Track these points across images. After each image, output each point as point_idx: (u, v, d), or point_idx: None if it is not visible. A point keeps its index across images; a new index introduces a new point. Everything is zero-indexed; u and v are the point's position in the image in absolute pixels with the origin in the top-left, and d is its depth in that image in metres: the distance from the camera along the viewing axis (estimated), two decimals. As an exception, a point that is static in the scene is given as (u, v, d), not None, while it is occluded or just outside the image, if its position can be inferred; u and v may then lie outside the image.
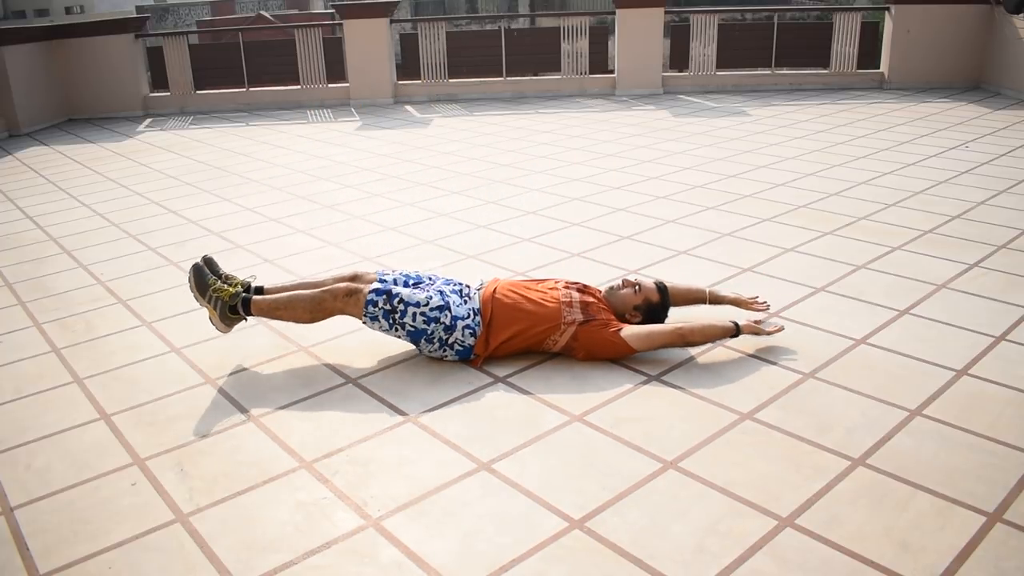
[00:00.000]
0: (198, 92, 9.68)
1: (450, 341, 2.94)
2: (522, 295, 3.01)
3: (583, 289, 3.11)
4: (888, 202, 4.84)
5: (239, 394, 2.88)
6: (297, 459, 2.46)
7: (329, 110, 9.32)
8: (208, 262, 3.12)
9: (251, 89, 9.75)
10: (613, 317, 3.03)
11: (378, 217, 4.99)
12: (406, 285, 3.04)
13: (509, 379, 2.89)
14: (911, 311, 3.32)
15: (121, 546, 2.11)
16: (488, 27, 14.56)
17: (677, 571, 1.93)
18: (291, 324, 3.40)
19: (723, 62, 9.55)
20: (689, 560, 1.97)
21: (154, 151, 7.45)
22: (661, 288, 3.12)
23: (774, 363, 2.93)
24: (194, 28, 24.52)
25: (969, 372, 2.81)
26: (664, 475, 2.30)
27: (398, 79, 9.79)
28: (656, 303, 3.08)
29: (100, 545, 2.11)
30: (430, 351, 2.99)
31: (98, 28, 9.58)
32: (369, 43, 9.43)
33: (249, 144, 7.56)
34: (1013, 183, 5.16)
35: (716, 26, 9.41)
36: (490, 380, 2.89)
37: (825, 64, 9.45)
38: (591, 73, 9.68)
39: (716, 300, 3.22)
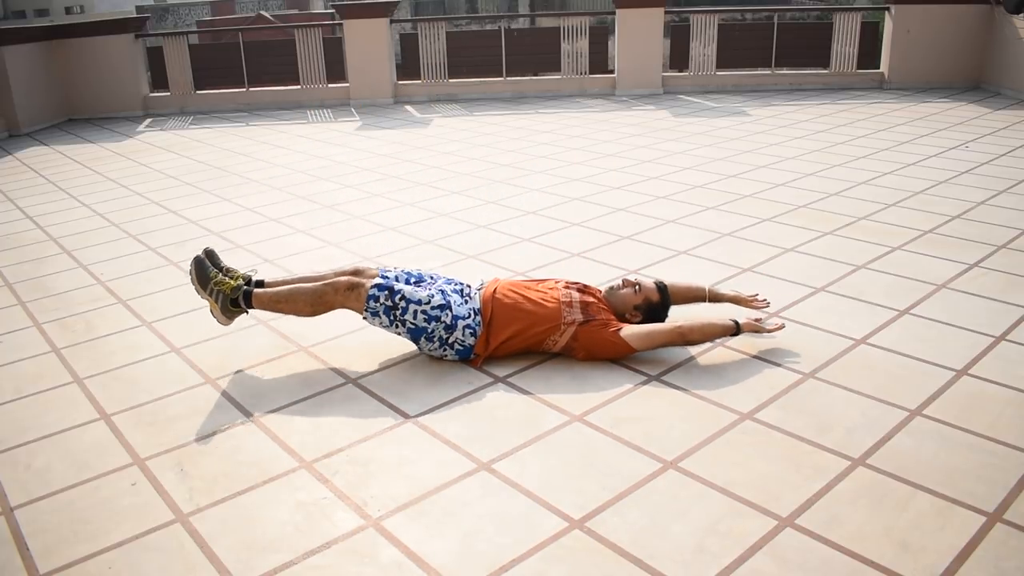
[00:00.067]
0: (198, 92, 9.68)
1: (450, 340, 2.94)
2: (522, 295, 3.01)
3: (583, 289, 3.11)
4: (888, 202, 4.84)
5: (239, 394, 2.88)
6: (297, 459, 2.46)
7: (329, 110, 9.32)
8: (209, 255, 3.10)
9: (251, 89, 9.75)
10: (613, 317, 3.03)
11: (378, 217, 4.99)
12: (407, 282, 3.04)
13: (509, 379, 2.89)
14: (911, 311, 3.32)
15: (121, 546, 2.11)
16: (488, 27, 14.56)
17: (677, 571, 1.93)
18: (292, 322, 3.40)
19: (723, 62, 9.55)
20: (689, 560, 1.97)
21: (154, 151, 7.45)
22: (661, 288, 3.12)
23: (774, 363, 2.93)
24: (194, 28, 24.52)
25: (969, 372, 2.81)
26: (664, 475, 2.30)
27: (398, 79, 9.79)
28: (656, 303, 3.08)
29: (100, 545, 2.11)
30: (430, 350, 2.99)
31: (98, 28, 9.58)
32: (369, 43, 9.43)
33: (249, 144, 7.56)
34: (1013, 183, 5.16)
35: (716, 26, 9.42)
36: (490, 380, 2.89)
37: (825, 64, 9.45)
38: (591, 73, 9.68)
39: (716, 298, 3.22)
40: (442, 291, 3.00)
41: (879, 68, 9.41)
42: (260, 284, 3.08)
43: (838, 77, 9.36)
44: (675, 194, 5.21)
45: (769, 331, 3.02)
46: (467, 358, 2.99)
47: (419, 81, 9.76)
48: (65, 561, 2.07)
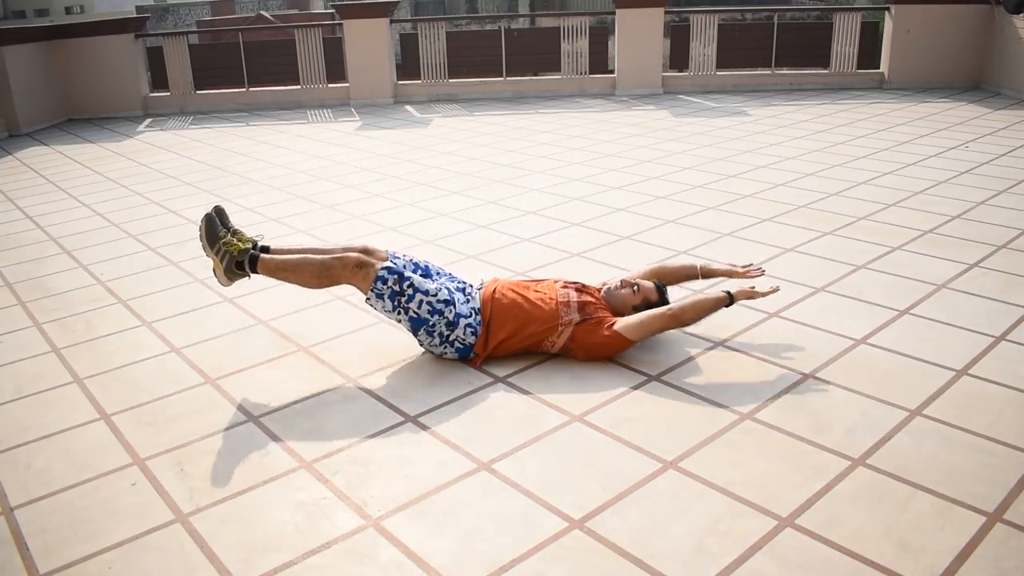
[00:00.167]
0: (198, 92, 9.68)
1: (451, 338, 2.93)
2: (520, 295, 3.01)
3: (581, 289, 3.11)
4: (888, 202, 4.84)
5: (239, 394, 2.88)
6: (297, 459, 2.46)
7: (329, 110, 9.32)
8: (219, 213, 3.04)
9: (251, 89, 9.75)
10: (609, 314, 3.03)
11: (378, 217, 4.99)
12: (415, 271, 3.03)
13: (509, 379, 2.89)
14: (911, 311, 3.32)
15: (121, 546, 2.11)
16: (488, 27, 14.55)
17: (677, 571, 1.94)
18: (292, 321, 3.40)
19: (723, 62, 9.55)
20: (689, 560, 1.97)
21: (154, 151, 7.45)
22: (660, 288, 3.12)
23: (774, 363, 2.93)
24: (194, 28, 24.52)
25: (969, 372, 2.81)
26: (664, 475, 2.30)
27: (398, 79, 9.79)
28: (655, 302, 3.07)
29: (100, 545, 2.11)
30: (429, 344, 2.97)
31: (98, 28, 9.58)
32: (369, 43, 9.43)
33: (249, 144, 7.56)
34: (1013, 183, 5.16)
35: (716, 26, 9.42)
36: (490, 380, 2.89)
37: (825, 64, 9.45)
38: (591, 73, 9.68)
39: (709, 274, 3.22)
40: (447, 287, 2.99)
41: (879, 68, 9.42)
42: (266, 250, 3.03)
43: (838, 77, 9.36)
44: (675, 194, 5.21)
45: (763, 294, 2.99)
46: (467, 357, 2.99)
47: (419, 81, 9.76)
48: (65, 561, 2.07)
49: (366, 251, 3.03)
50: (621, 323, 2.95)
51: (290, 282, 2.99)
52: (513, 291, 3.03)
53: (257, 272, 2.98)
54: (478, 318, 2.96)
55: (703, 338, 3.14)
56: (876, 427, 2.49)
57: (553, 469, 2.36)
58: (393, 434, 2.58)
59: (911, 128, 7.03)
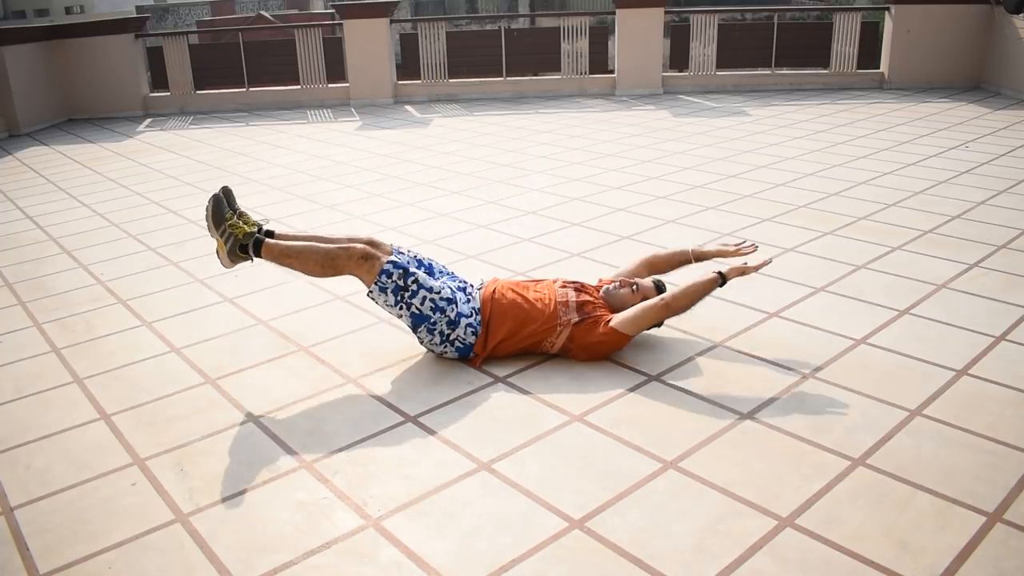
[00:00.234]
0: (198, 92, 9.69)
1: (452, 337, 2.93)
2: (519, 295, 3.01)
3: (580, 288, 3.11)
4: (888, 202, 4.84)
5: (239, 394, 2.88)
6: (297, 459, 2.46)
7: (329, 110, 9.32)
8: (227, 194, 3.00)
9: (251, 89, 9.75)
10: (607, 312, 3.02)
11: (378, 217, 4.99)
12: (419, 267, 3.02)
13: (509, 379, 2.89)
14: (911, 311, 3.32)
15: (121, 546, 2.11)
16: (488, 27, 14.55)
17: (677, 571, 1.93)
18: (292, 321, 3.40)
19: (723, 62, 9.55)
20: (689, 560, 1.97)
21: (154, 151, 7.45)
22: (659, 285, 3.11)
23: (774, 363, 2.93)
24: (194, 28, 24.52)
25: (969, 372, 2.81)
26: (664, 475, 2.30)
27: (398, 79, 9.79)
28: None
29: (100, 545, 2.11)
30: (429, 342, 2.97)
31: (98, 28, 9.58)
32: (369, 43, 9.43)
33: (249, 144, 7.56)
34: (1013, 183, 5.16)
35: (716, 26, 9.42)
36: (490, 380, 2.89)
37: (825, 64, 9.45)
38: (591, 73, 9.68)
39: (701, 257, 3.20)
40: (449, 286, 2.99)
41: (879, 68, 9.42)
42: (271, 235, 3.00)
43: (838, 77, 9.36)
44: (675, 194, 5.21)
45: (756, 268, 2.96)
46: (466, 357, 2.99)
47: (419, 81, 9.76)
48: (65, 561, 2.07)
49: (371, 243, 3.01)
50: (616, 319, 2.94)
51: (293, 269, 2.96)
52: (512, 291, 3.03)
53: (261, 256, 2.94)
54: (478, 318, 2.96)
55: (703, 338, 3.14)
56: (876, 427, 2.49)
57: (553, 469, 2.36)
58: (393, 434, 2.58)
59: (911, 128, 7.03)
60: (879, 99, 8.58)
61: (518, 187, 5.56)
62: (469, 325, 2.94)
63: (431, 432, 2.57)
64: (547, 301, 2.99)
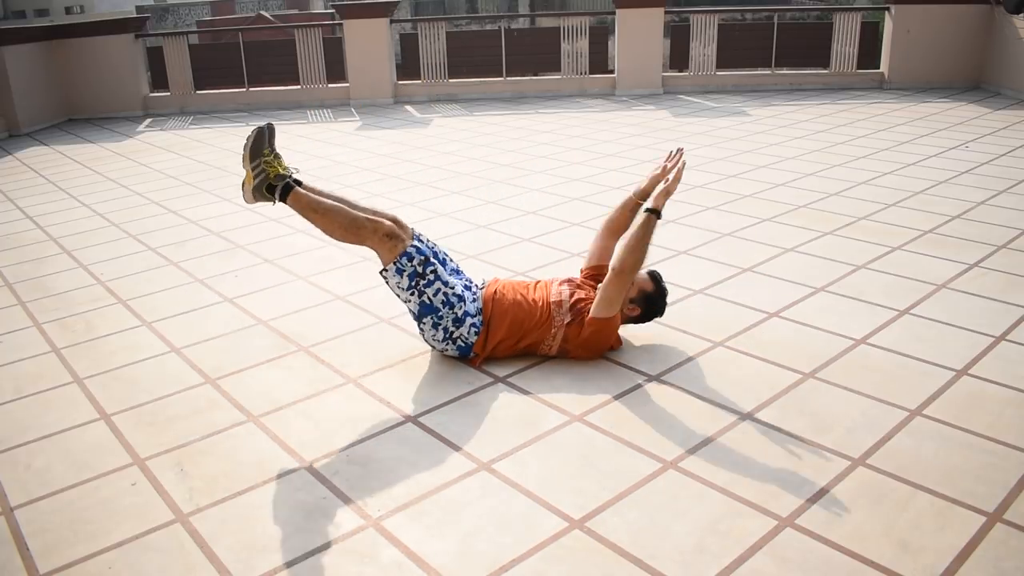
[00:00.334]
0: (198, 92, 9.69)
1: (455, 335, 2.93)
2: (519, 296, 3.00)
3: (579, 286, 3.09)
4: (888, 202, 4.84)
5: (239, 394, 2.88)
6: (297, 459, 2.46)
7: (329, 110, 9.32)
8: (271, 131, 2.95)
9: (251, 89, 9.75)
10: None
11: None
12: (435, 256, 2.98)
13: (509, 379, 2.89)
14: (911, 311, 3.32)
15: (121, 546, 2.11)
16: (488, 27, 14.56)
17: (677, 571, 1.93)
18: (292, 321, 3.40)
19: (723, 62, 9.55)
20: (689, 560, 1.97)
21: (154, 151, 7.45)
22: (655, 276, 3.07)
23: (774, 363, 2.92)
24: (194, 28, 24.52)
25: (969, 372, 2.81)
26: (664, 475, 2.30)
27: (398, 79, 9.79)
28: (651, 292, 3.03)
29: (100, 545, 2.11)
30: (431, 337, 2.96)
31: (98, 28, 9.58)
32: (369, 43, 9.43)
33: (249, 144, 7.55)
34: (1013, 183, 5.16)
35: (716, 26, 9.42)
36: (490, 380, 2.89)
37: (825, 64, 9.45)
38: (591, 73, 9.68)
39: (644, 195, 3.08)
40: (459, 284, 2.99)
41: (879, 68, 9.42)
42: (299, 184, 2.94)
43: (838, 77, 9.36)
44: (675, 194, 5.20)
45: (675, 181, 2.89)
46: (467, 356, 2.99)
47: (419, 81, 9.76)
48: (65, 561, 2.07)
49: (396, 222, 2.98)
50: (592, 310, 2.91)
51: (314, 224, 2.91)
52: (512, 292, 3.02)
53: (286, 202, 2.88)
54: (480, 318, 2.96)
55: (703, 338, 3.14)
56: (876, 427, 2.49)
57: (553, 469, 2.36)
58: (393, 434, 2.58)
59: (911, 128, 7.03)
60: (879, 99, 8.58)
61: (518, 187, 5.56)
62: (473, 324, 2.94)
63: (431, 432, 2.57)
64: (542, 302, 2.98)
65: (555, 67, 9.78)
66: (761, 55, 9.66)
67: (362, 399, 2.81)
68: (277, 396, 2.85)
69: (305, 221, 2.93)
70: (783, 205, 4.87)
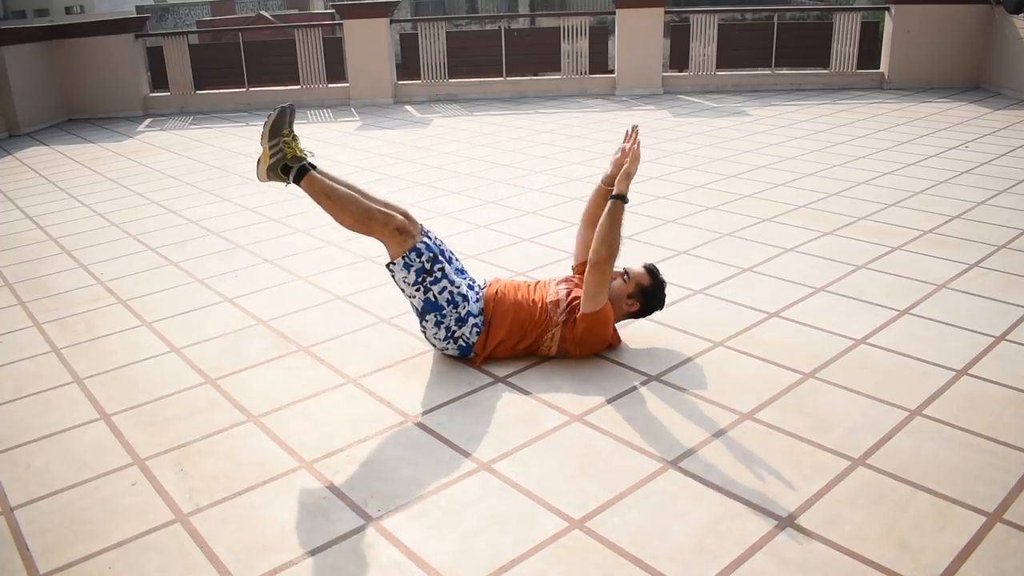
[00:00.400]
0: (198, 92, 9.69)
1: (457, 334, 2.93)
2: (519, 297, 3.00)
3: (575, 285, 3.08)
4: (888, 202, 4.84)
5: (239, 394, 2.88)
6: (297, 459, 2.46)
7: (329, 110, 9.32)
8: (292, 112, 2.94)
9: (251, 89, 9.75)
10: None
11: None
12: (442, 254, 2.98)
13: (509, 379, 2.89)
14: (911, 311, 3.32)
15: (121, 546, 2.11)
16: (488, 27, 14.55)
17: (677, 571, 1.93)
18: (292, 321, 3.40)
19: (723, 62, 9.55)
20: (689, 560, 1.97)
21: (154, 151, 7.45)
22: (651, 269, 3.06)
23: (774, 363, 2.92)
24: (194, 28, 24.51)
25: (969, 372, 2.81)
26: (664, 475, 2.30)
27: (398, 79, 9.79)
28: (648, 285, 3.02)
29: (100, 545, 2.11)
30: (433, 335, 2.95)
31: (98, 28, 9.59)
32: (369, 43, 9.43)
33: (249, 144, 7.55)
34: (1013, 183, 5.16)
35: (716, 26, 9.42)
36: (490, 380, 2.89)
37: (825, 64, 9.45)
38: (591, 73, 9.68)
39: (611, 180, 3.05)
40: (464, 283, 2.99)
41: (879, 68, 9.42)
42: (313, 168, 2.95)
43: (838, 77, 9.36)
44: (675, 194, 5.21)
45: (634, 163, 2.88)
46: (467, 355, 2.99)
47: (419, 81, 9.76)
48: (65, 561, 2.07)
49: (407, 216, 2.99)
50: (581, 306, 2.91)
51: (326, 210, 2.91)
52: (514, 292, 3.02)
53: (300, 185, 2.89)
54: (482, 318, 2.96)
55: (703, 338, 3.14)
56: (876, 427, 2.49)
57: (553, 469, 2.36)
58: (393, 434, 2.58)
59: (911, 128, 7.03)
60: (879, 99, 8.58)
61: (518, 187, 5.56)
62: (475, 325, 2.94)
63: (431, 432, 2.57)
64: (540, 303, 2.98)
65: (555, 67, 9.78)
66: (761, 55, 9.66)
67: (362, 399, 2.81)
68: (277, 396, 2.85)
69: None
70: (783, 205, 4.87)
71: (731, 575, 1.92)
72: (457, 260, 3.12)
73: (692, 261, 4.01)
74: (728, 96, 9.14)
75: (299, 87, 9.66)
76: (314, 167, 2.91)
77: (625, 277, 3.03)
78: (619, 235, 2.85)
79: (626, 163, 2.93)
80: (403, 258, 2.87)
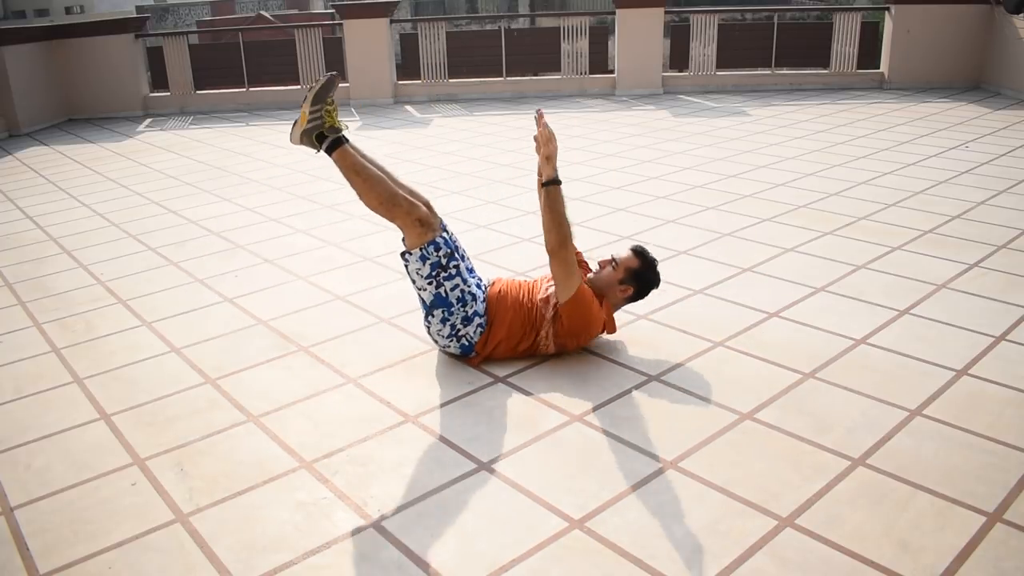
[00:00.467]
0: (198, 92, 9.69)
1: (461, 333, 2.93)
2: (519, 296, 3.00)
3: None
4: (888, 202, 4.84)
5: (239, 394, 2.88)
6: (297, 459, 2.46)
7: (329, 110, 9.30)
8: (335, 82, 2.93)
9: (251, 89, 9.75)
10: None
11: (378, 217, 4.97)
12: (457, 252, 2.97)
13: (509, 379, 2.89)
14: (911, 311, 3.32)
15: (121, 546, 2.11)
16: (488, 27, 14.56)
17: (677, 571, 1.93)
18: (292, 321, 3.40)
19: (723, 62, 9.55)
20: (689, 560, 1.97)
21: (154, 151, 7.45)
22: (638, 251, 3.04)
23: (774, 363, 2.92)
24: (194, 28, 24.52)
25: (969, 372, 2.81)
26: (664, 475, 2.30)
27: (398, 79, 9.79)
28: (638, 267, 3.01)
29: (100, 545, 2.11)
30: (437, 332, 2.95)
31: (98, 28, 9.59)
32: (369, 43, 9.43)
33: (249, 144, 7.56)
34: (1013, 183, 5.16)
35: (716, 26, 9.42)
36: (490, 380, 2.89)
37: (825, 64, 9.45)
38: (591, 73, 9.68)
39: (541, 170, 3.09)
40: (474, 283, 2.99)
41: (879, 68, 9.42)
42: (346, 141, 2.94)
43: (838, 77, 9.36)
44: (675, 194, 5.21)
45: (551, 149, 2.92)
46: (468, 355, 2.99)
47: (419, 81, 9.76)
48: (65, 561, 2.07)
49: (430, 208, 2.99)
50: (558, 296, 2.89)
51: (352, 185, 2.92)
52: (516, 292, 3.03)
53: (331, 155, 2.89)
54: (486, 318, 2.96)
55: (703, 338, 3.14)
56: (876, 427, 2.49)
57: (553, 469, 2.36)
58: (393, 434, 2.58)
59: (911, 128, 7.03)
60: (879, 99, 8.58)
61: (518, 187, 5.55)
62: (479, 324, 2.94)
63: (431, 432, 2.57)
64: (535, 302, 2.98)
65: (555, 67, 9.78)
66: (761, 55, 9.66)
67: (362, 399, 2.81)
68: (277, 396, 2.85)
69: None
70: (783, 205, 4.87)
71: (731, 575, 1.92)
72: (468, 259, 3.12)
73: (692, 261, 4.01)
74: (728, 96, 9.14)
75: (299, 87, 9.65)
76: (347, 140, 2.92)
77: (613, 264, 3.01)
78: (565, 218, 2.86)
79: (547, 153, 2.93)
80: (421, 250, 2.87)
